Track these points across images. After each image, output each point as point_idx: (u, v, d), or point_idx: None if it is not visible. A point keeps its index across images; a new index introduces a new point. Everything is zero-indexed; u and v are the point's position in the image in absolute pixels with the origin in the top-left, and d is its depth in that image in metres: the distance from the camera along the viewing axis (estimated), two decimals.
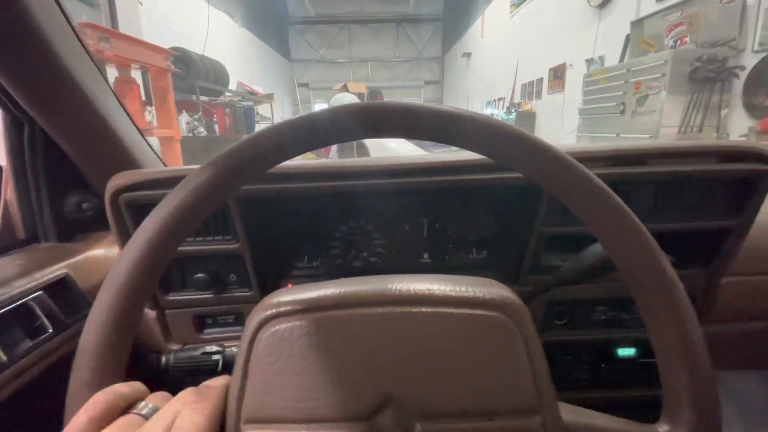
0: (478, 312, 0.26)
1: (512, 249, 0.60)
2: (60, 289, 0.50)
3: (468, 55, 9.62)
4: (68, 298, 0.50)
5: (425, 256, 0.64)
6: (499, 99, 7.47)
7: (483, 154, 0.27)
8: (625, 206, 0.25)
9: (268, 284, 0.60)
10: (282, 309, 0.26)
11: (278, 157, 0.27)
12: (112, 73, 1.66)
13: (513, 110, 6.22)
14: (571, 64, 4.86)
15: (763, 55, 2.47)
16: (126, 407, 0.23)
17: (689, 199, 0.55)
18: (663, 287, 0.25)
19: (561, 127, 4.95)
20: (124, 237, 0.53)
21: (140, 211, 0.51)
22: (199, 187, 0.25)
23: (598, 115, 3.54)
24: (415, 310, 0.26)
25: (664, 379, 0.25)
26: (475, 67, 9.26)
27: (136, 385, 0.24)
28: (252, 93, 6.20)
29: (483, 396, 0.25)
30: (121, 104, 0.58)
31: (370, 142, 4.39)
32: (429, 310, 0.26)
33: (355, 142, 4.36)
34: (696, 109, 2.62)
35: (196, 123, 3.25)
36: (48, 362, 0.45)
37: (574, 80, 4.56)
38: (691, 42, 2.95)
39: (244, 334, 0.26)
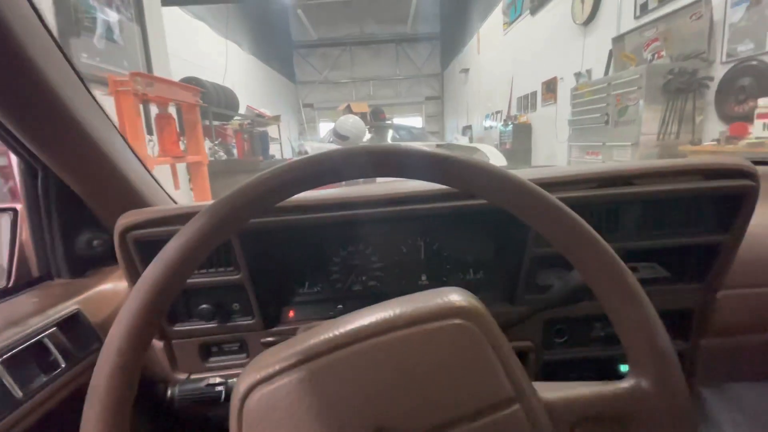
0: (439, 324, 0.27)
1: (507, 269, 0.60)
2: (72, 324, 0.51)
3: (466, 70, 9.93)
4: (80, 333, 0.51)
5: (423, 278, 0.65)
6: (497, 112, 7.72)
7: (457, 188, 0.29)
8: (579, 218, 0.27)
9: (270, 311, 0.61)
10: (261, 375, 0.27)
11: (284, 196, 0.28)
12: (153, 110, 1.95)
13: (510, 122, 6.45)
14: (561, 78, 5.11)
15: (731, 65, 2.68)
16: None
17: (678, 216, 0.56)
18: (614, 271, 0.27)
19: (555, 137, 5.16)
20: (132, 273, 0.55)
21: (148, 247, 0.53)
22: (202, 227, 0.26)
23: (585, 125, 3.76)
24: (383, 339, 0.27)
25: (625, 341, 0.28)
26: (473, 82, 9.55)
27: None
28: (260, 115, 6.52)
29: (464, 401, 0.26)
30: (129, 145, 0.61)
31: None
32: (396, 335, 0.27)
33: None
34: (672, 117, 2.82)
35: (216, 148, 3.52)
36: (60, 396, 0.46)
37: (566, 93, 4.79)
38: (667, 55, 3.17)
39: (232, 405, 0.27)
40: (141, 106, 1.78)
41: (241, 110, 5.91)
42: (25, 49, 0.41)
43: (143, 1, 2.44)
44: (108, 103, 1.72)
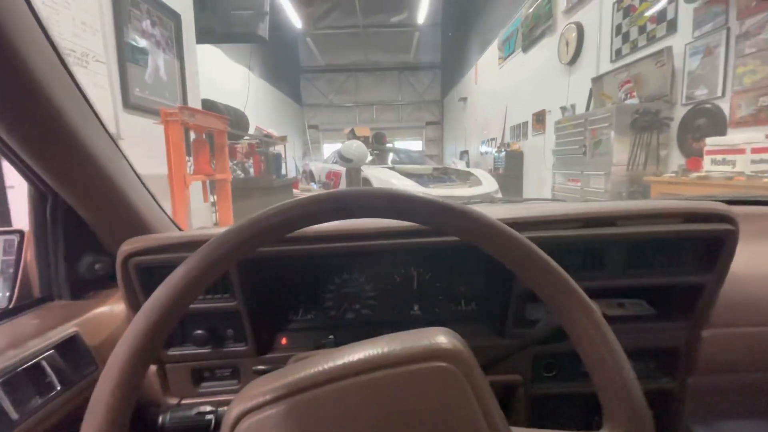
0: (424, 365, 0.28)
1: (497, 303, 0.61)
2: (70, 346, 0.51)
3: (464, 99, 10.41)
4: (76, 356, 0.52)
5: (416, 308, 0.66)
6: (492, 139, 8.15)
7: (431, 228, 0.31)
8: (552, 262, 0.29)
9: (263, 338, 0.62)
10: (251, 404, 0.27)
11: (291, 230, 0.30)
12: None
13: (503, 149, 6.85)
14: (549, 111, 5.51)
15: (690, 107, 3.06)
16: None
17: (662, 256, 0.57)
18: (586, 313, 0.29)
19: (543, 164, 5.53)
20: (131, 297, 0.56)
21: (148, 274, 0.54)
22: (210, 255, 0.28)
23: (566, 155, 4.12)
24: (368, 377, 0.27)
25: (601, 393, 0.29)
26: (470, 110, 10.01)
27: None
28: (268, 136, 6.91)
29: None
30: (136, 173, 0.62)
31: (375, 180, 4.97)
32: (381, 374, 0.28)
33: (360, 177, 4.85)
34: (639, 150, 3.18)
35: (234, 167, 3.88)
36: (55, 418, 0.46)
37: (553, 124, 5.19)
38: (638, 96, 3.56)
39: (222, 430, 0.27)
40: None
41: (251, 130, 6.33)
42: (38, 79, 0.42)
43: (183, 41, 2.87)
44: (158, 130, 2.08)
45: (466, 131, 10.63)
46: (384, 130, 7.65)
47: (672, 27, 3.20)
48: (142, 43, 2.55)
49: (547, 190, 4.82)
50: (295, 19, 9.28)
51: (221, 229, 0.32)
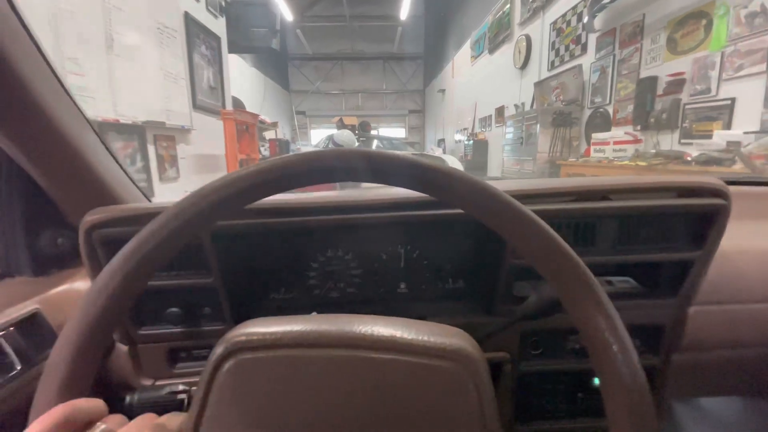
0: (436, 362, 0.27)
1: (486, 279, 0.60)
2: (30, 325, 0.49)
3: (442, 91, 11.20)
4: (38, 334, 0.49)
5: (402, 285, 0.65)
6: (464, 129, 9.19)
7: (433, 197, 0.29)
8: (551, 230, 0.27)
9: (243, 317, 0.56)
10: (245, 342, 0.26)
11: (253, 198, 0.28)
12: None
13: (471, 138, 7.90)
14: (507, 107, 6.58)
15: (592, 110, 4.17)
16: (83, 425, 0.24)
17: (653, 231, 0.57)
18: (587, 286, 0.27)
19: (502, 152, 6.62)
20: (96, 274, 0.50)
21: (114, 247, 0.47)
22: (168, 224, 0.26)
23: (512, 144, 5.23)
24: (376, 356, 0.26)
25: (606, 398, 0.27)
26: (448, 101, 10.81)
27: (97, 403, 0.25)
28: (261, 122, 7.75)
29: None
30: (104, 143, 0.58)
31: None
32: (390, 357, 0.27)
33: None
34: (557, 141, 4.30)
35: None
36: (16, 399, 0.44)
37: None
38: (563, 100, 4.66)
39: (206, 367, 0.26)
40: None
41: None
42: None
43: (222, 56, 3.84)
44: (211, 122, 3.09)
45: (443, 121, 11.44)
46: (369, 117, 8.42)
47: (584, 49, 4.28)
48: (201, 62, 3.56)
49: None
50: (286, 11, 9.91)
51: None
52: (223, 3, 4.05)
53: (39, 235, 0.58)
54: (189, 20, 3.45)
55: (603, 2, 3.61)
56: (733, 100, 2.62)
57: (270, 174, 0.27)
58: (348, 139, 4.46)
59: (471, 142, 7.72)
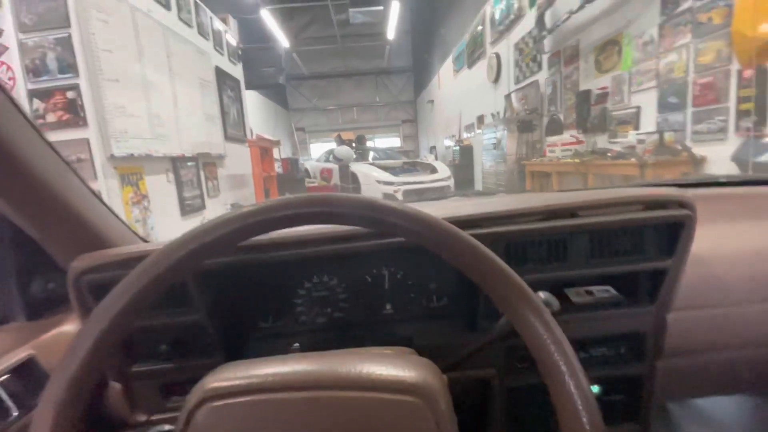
0: (398, 397, 0.28)
1: (468, 297, 0.61)
2: (26, 370, 0.50)
3: (432, 101, 11.94)
4: (34, 379, 0.50)
5: (388, 307, 0.65)
6: (452, 135, 9.98)
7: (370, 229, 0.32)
8: (488, 251, 0.29)
9: (233, 348, 0.60)
10: (215, 389, 0.27)
11: (239, 240, 0.29)
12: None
13: (458, 144, 8.68)
14: (486, 115, 7.40)
15: (548, 117, 4.99)
16: None
17: (624, 243, 0.58)
18: (528, 307, 0.29)
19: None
20: (87, 316, 0.51)
21: (102, 291, 0.48)
22: (152, 269, 0.28)
23: (488, 148, 6.07)
24: (341, 394, 0.27)
25: (554, 399, 0.28)
26: (437, 111, 11.54)
27: None
28: (264, 140, 8.68)
29: None
30: (86, 185, 0.58)
31: (360, 174, 6.81)
32: (354, 394, 0.28)
33: (349, 172, 6.58)
34: (522, 144, 5.13)
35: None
36: None
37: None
38: (528, 109, 5.49)
39: (180, 415, 0.27)
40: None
41: (251, 137, 8.01)
42: None
43: (241, 95, 4.78)
44: (239, 150, 3.95)
45: (435, 129, 12.13)
46: (365, 129, 9.09)
47: (540, 66, 5.13)
48: (228, 102, 4.51)
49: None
50: (282, 38, 10.76)
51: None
52: (240, 52, 4.99)
53: (31, 281, 0.59)
54: (218, 71, 4.48)
55: (542, 33, 4.48)
56: (638, 108, 3.44)
57: (247, 220, 0.29)
58: (346, 153, 5.30)
59: (458, 147, 8.51)
